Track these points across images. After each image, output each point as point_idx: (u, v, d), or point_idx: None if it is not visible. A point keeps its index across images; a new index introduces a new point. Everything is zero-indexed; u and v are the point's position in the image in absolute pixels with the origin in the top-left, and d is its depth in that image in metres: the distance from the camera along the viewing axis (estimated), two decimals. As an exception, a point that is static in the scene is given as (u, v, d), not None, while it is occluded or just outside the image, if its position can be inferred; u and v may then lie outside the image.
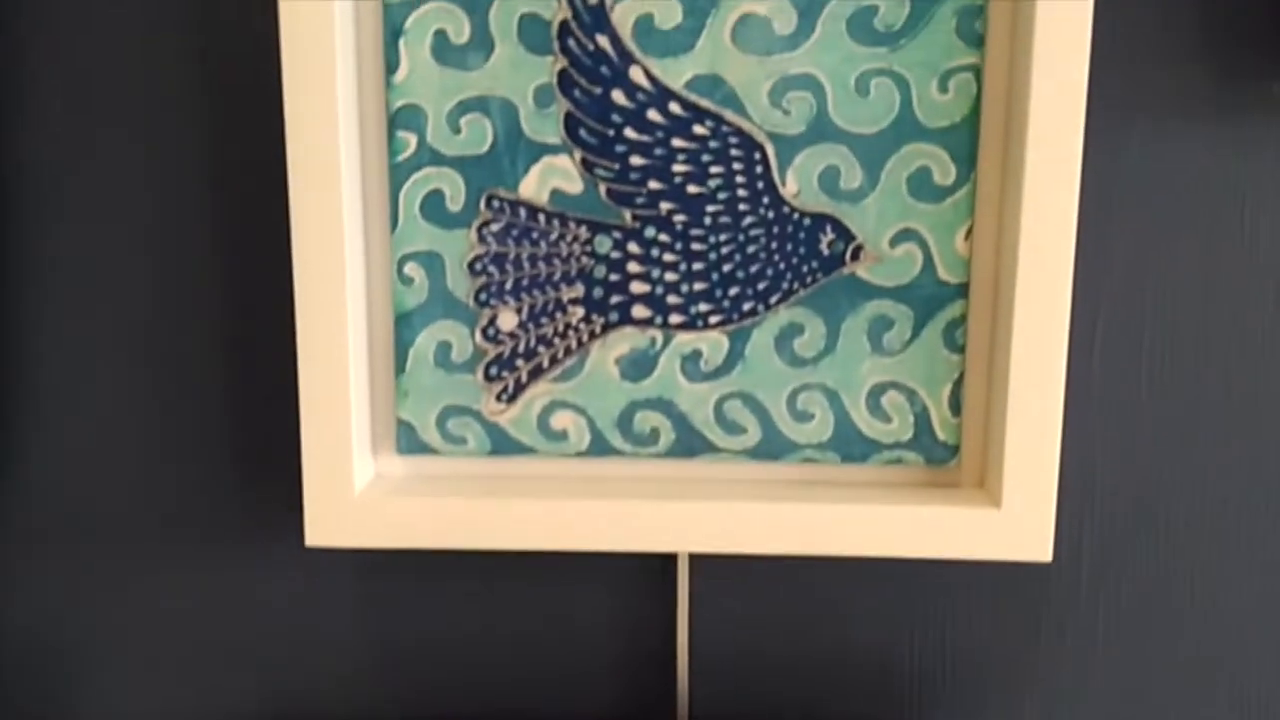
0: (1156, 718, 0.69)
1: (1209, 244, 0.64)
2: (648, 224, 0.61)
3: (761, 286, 0.61)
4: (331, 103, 0.58)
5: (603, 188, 0.61)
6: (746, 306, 0.61)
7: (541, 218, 0.61)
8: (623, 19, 0.59)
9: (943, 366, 0.62)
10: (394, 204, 0.61)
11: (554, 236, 0.61)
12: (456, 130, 0.60)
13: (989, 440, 0.62)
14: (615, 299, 0.62)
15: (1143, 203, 0.63)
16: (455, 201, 0.61)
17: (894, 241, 0.60)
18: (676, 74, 0.59)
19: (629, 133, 0.60)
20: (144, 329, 0.66)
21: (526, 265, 0.62)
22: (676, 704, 0.68)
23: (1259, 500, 0.66)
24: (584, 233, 0.61)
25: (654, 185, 0.61)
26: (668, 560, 0.68)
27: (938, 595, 0.68)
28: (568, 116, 0.60)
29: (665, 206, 0.61)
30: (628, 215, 0.61)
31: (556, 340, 0.62)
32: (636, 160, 0.60)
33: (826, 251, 0.61)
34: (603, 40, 0.59)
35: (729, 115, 0.60)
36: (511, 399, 0.63)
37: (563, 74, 0.60)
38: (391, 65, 0.60)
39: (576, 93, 0.60)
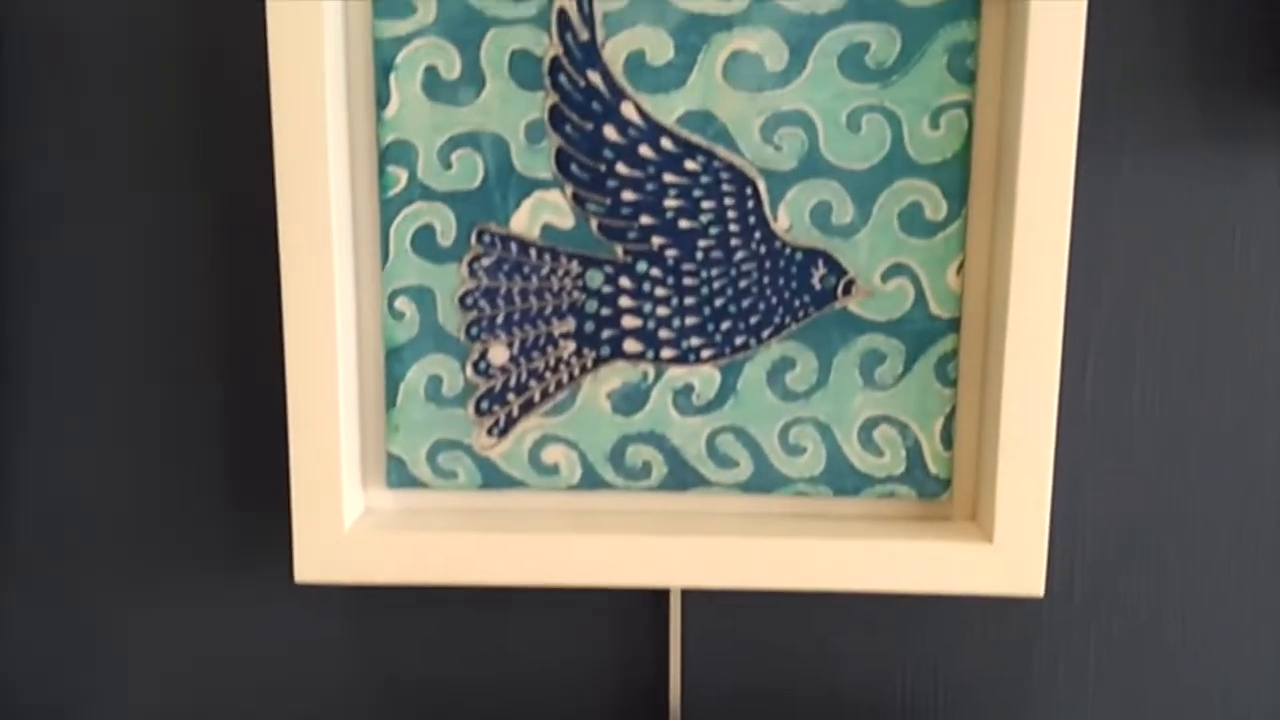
0: (1149, 749, 0.69)
1: (1200, 274, 0.64)
2: (639, 259, 0.61)
3: (753, 321, 0.61)
4: (322, 138, 0.57)
5: (594, 223, 0.61)
6: (738, 341, 0.61)
7: (533, 252, 0.61)
8: (614, 55, 0.59)
9: (935, 400, 0.61)
10: (385, 239, 0.61)
11: (545, 271, 0.61)
12: (447, 165, 0.60)
13: (981, 474, 0.62)
14: (607, 333, 0.62)
15: (1133, 233, 0.63)
16: (446, 236, 0.61)
17: (886, 276, 0.60)
18: (668, 110, 0.59)
19: (620, 168, 0.60)
20: (134, 369, 0.66)
21: (518, 300, 0.62)
22: (669, 737, 0.68)
23: (1251, 533, 0.66)
24: (575, 267, 0.61)
25: (645, 220, 0.60)
26: (660, 595, 0.67)
27: (930, 629, 0.67)
28: (559, 152, 0.60)
29: (657, 241, 0.61)
30: (619, 250, 0.61)
31: (548, 374, 0.62)
32: (628, 195, 0.60)
33: (818, 286, 0.61)
34: (594, 76, 0.59)
35: (720, 151, 0.59)
36: (503, 433, 0.63)
37: (554, 109, 0.59)
38: (382, 100, 0.60)
39: (568, 128, 0.60)
